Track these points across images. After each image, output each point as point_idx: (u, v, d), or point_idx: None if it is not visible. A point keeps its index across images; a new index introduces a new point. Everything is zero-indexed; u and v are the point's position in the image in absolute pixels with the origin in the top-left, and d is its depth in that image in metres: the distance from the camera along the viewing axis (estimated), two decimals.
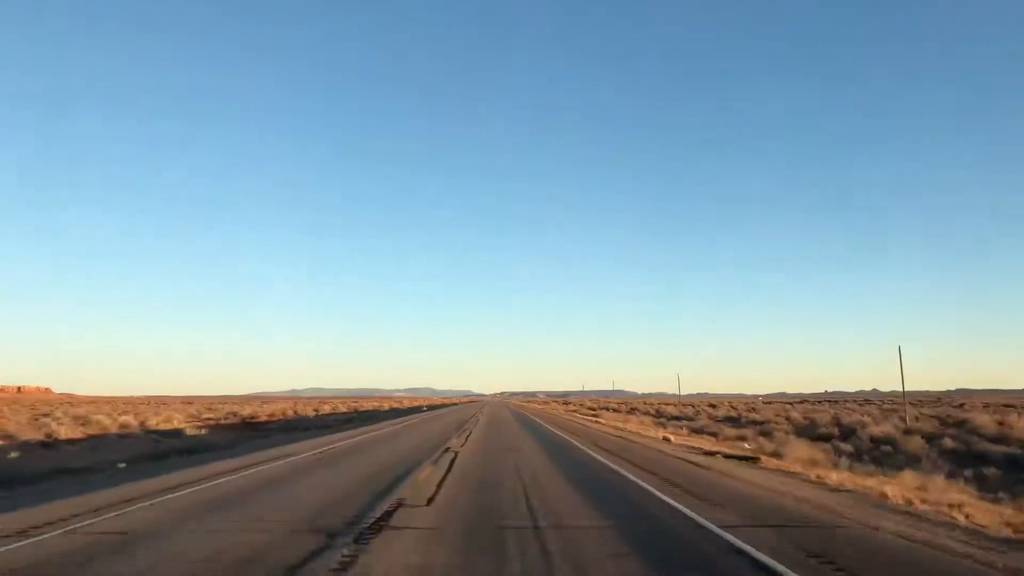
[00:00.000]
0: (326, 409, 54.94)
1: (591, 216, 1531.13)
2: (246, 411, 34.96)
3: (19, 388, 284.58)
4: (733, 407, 74.52)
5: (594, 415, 46.95)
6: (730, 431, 29.26)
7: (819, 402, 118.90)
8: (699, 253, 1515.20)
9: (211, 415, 33.89)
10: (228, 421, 28.49)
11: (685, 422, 36.40)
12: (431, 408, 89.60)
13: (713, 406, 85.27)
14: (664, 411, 65.02)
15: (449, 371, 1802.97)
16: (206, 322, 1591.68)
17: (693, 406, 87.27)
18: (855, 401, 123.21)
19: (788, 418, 42.00)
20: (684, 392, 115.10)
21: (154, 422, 23.18)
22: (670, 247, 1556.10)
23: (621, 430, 31.09)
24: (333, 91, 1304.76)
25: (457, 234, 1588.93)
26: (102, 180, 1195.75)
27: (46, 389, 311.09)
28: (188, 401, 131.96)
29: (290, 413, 40.96)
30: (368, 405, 71.79)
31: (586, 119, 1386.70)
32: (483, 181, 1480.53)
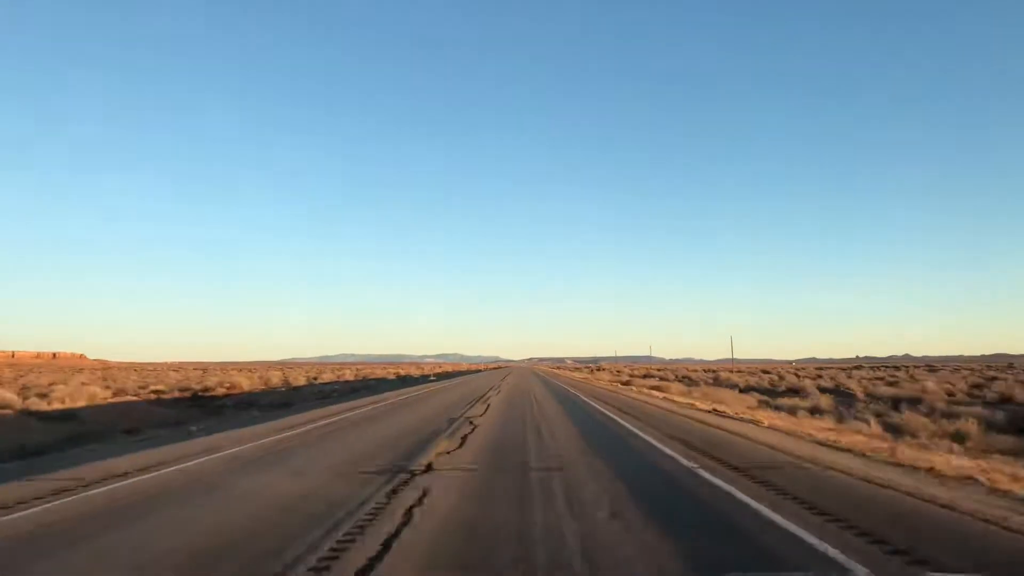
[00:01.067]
0: (327, 377, 49.16)
1: (621, 181, 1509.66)
2: (211, 380, 28.80)
3: (54, 355, 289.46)
4: (795, 374, 67.41)
5: (656, 389, 34.14)
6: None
7: (856, 368, 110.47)
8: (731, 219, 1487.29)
9: (162, 386, 27.68)
10: (176, 394, 22.55)
11: (764, 396, 28.73)
12: (446, 376, 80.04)
13: (767, 372, 77.78)
14: (726, 379, 56.67)
15: (478, 338, 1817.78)
16: (240, 289, 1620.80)
17: (752, 373, 79.87)
18: (918, 366, 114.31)
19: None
20: (714, 358, 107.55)
21: (61, 395, 17.45)
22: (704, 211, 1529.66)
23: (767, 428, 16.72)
24: (378, 59, 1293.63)
25: (489, 200, 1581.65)
26: (136, 142, 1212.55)
27: (81, 355, 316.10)
28: (201, 368, 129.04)
29: (275, 382, 35.00)
30: (380, 373, 65.56)
31: (622, 77, 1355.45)
32: (514, 146, 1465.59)
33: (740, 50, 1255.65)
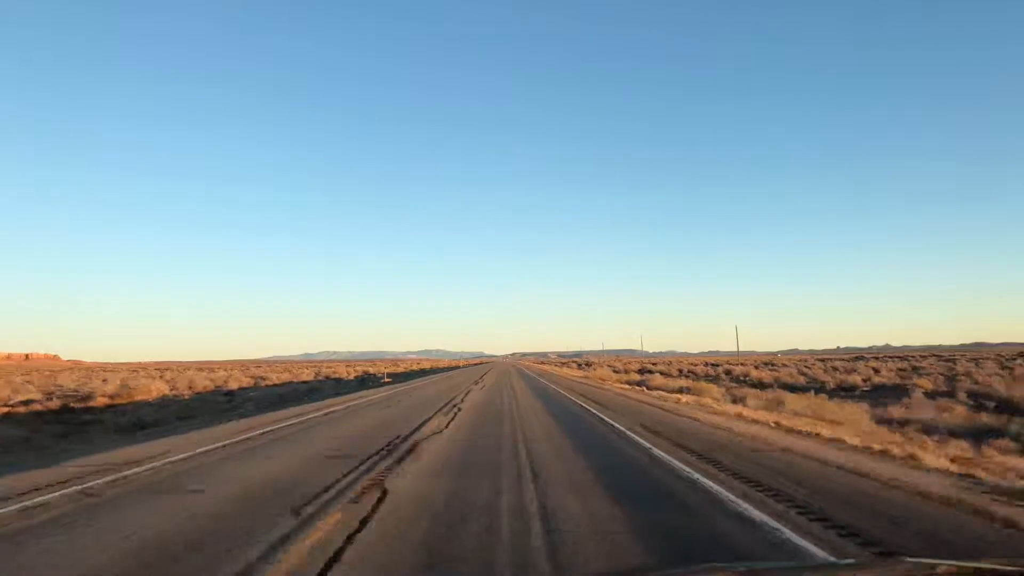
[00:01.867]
0: (283, 377, 45.43)
1: (607, 175, 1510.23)
2: (109, 388, 24.79)
3: (27, 355, 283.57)
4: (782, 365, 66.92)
5: (687, 395, 25.83)
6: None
7: (849, 359, 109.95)
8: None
9: (35, 394, 24.14)
10: (55, 403, 20.20)
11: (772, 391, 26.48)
12: (412, 375, 68.22)
13: (770, 364, 76.26)
14: (744, 374, 53.54)
15: (460, 333, 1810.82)
16: (221, 288, 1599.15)
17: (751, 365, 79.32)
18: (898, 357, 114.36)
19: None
20: (699, 351, 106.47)
21: None
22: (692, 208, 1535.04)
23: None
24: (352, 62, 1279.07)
25: (469, 196, 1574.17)
26: (122, 143, 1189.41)
27: (55, 356, 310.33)
28: (162, 368, 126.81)
29: (202, 387, 31.96)
30: (344, 372, 62.00)
31: (610, 71, 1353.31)
32: (497, 140, 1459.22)
33: (736, 47, 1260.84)
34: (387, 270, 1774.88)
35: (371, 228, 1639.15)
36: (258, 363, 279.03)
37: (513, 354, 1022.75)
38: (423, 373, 73.30)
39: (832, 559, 5.03)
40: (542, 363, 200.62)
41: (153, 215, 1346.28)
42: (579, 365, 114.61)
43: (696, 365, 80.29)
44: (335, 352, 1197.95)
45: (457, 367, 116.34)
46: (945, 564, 2.60)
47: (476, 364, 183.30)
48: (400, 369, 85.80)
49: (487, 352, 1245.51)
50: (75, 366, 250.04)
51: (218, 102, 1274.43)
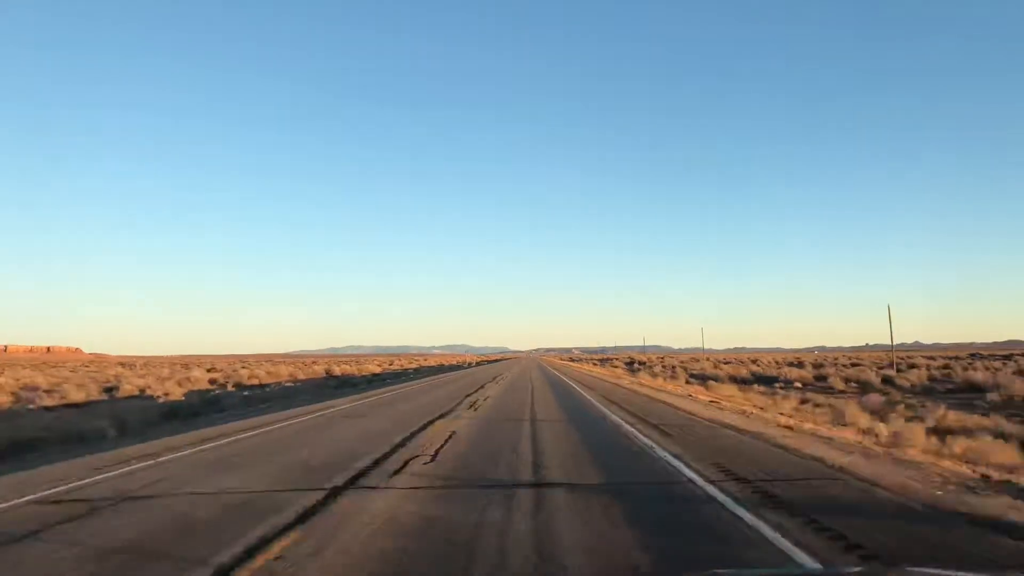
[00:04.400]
0: (263, 376, 36.86)
1: (628, 174, 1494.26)
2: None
3: (48, 348, 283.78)
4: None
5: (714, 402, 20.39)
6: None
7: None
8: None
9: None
10: None
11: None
12: (439, 370, 65.80)
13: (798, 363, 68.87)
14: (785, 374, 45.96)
15: (485, 328, 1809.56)
16: (247, 282, 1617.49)
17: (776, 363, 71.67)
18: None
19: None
20: (724, 347, 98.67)
21: None
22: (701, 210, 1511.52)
23: None
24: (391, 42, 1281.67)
25: (496, 193, 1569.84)
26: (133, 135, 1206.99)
27: (76, 349, 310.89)
28: (185, 363, 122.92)
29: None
30: (350, 369, 54.82)
31: (630, 75, 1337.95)
32: (519, 140, 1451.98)
33: (739, 52, 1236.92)
34: (412, 266, 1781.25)
35: (396, 225, 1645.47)
36: (284, 357, 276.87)
37: (536, 350, 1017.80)
38: (414, 375, 52.84)
39: (831, 569, 4.70)
40: (569, 360, 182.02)
41: (179, 209, 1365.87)
42: (628, 365, 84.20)
43: (727, 361, 77.42)
44: (359, 347, 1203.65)
45: (469, 365, 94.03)
46: (950, 574, 2.60)
47: (496, 360, 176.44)
48: (425, 364, 79.60)
49: (510, 348, 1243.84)
50: (99, 359, 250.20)
51: (258, 97, 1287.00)
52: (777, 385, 34.05)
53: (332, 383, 30.38)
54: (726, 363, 74.06)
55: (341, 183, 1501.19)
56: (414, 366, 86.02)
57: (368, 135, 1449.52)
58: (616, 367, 75.63)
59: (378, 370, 57.80)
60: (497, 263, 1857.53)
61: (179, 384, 28.29)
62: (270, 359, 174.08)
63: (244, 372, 35.38)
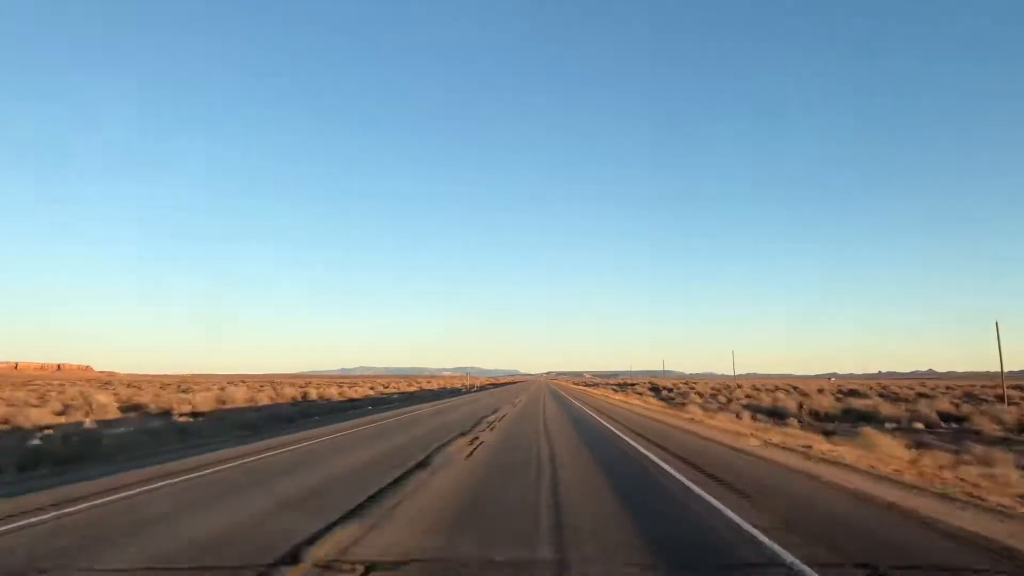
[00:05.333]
0: (197, 402, 30.90)
1: (641, 197, 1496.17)
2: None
3: (59, 366, 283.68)
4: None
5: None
6: None
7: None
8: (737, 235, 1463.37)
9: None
10: None
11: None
12: (433, 396, 57.86)
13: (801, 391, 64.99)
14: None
15: (496, 351, 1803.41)
16: (259, 302, 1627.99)
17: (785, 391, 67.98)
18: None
19: None
20: (733, 373, 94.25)
21: None
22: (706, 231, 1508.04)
23: None
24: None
25: (505, 216, 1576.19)
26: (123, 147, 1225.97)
27: (86, 367, 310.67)
28: (187, 383, 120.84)
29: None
30: (332, 392, 50.32)
31: (641, 90, 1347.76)
32: (528, 160, 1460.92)
33: (754, 69, 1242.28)
34: (423, 287, 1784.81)
35: (406, 246, 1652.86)
36: (295, 378, 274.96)
37: (548, 373, 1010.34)
38: (394, 403, 45.32)
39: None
40: (583, 385, 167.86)
41: (187, 228, 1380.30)
42: (655, 392, 77.81)
43: (763, 387, 72.34)
44: (371, 368, 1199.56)
45: (461, 390, 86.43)
46: None
47: (505, 384, 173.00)
48: (427, 387, 76.59)
49: (521, 371, 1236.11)
50: (111, 378, 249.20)
51: (274, 116, 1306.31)
52: (889, 426, 27.10)
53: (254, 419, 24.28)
54: (760, 390, 68.14)
55: (352, 205, 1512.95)
56: (413, 388, 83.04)
57: (378, 154, 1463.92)
58: (642, 394, 67.80)
59: (358, 396, 52.36)
60: (508, 285, 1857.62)
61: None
62: (278, 380, 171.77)
63: (174, 397, 30.61)
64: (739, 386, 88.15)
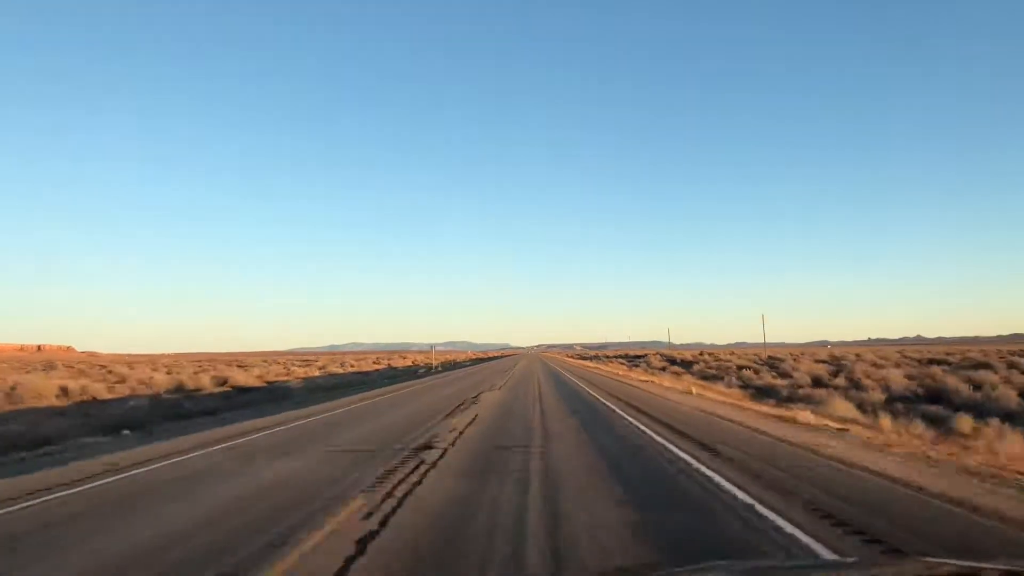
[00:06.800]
0: (203, 381, 27.76)
1: (629, 168, 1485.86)
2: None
3: (39, 346, 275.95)
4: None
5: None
6: None
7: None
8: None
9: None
10: None
11: None
12: (392, 378, 43.89)
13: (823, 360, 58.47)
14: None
15: (486, 324, 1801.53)
16: (245, 279, 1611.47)
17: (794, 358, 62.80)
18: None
19: None
20: (725, 343, 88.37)
21: None
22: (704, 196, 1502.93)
23: None
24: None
25: (494, 189, 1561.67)
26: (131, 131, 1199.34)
27: (68, 347, 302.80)
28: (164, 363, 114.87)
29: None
30: (282, 374, 42.48)
31: (635, 72, 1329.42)
32: (521, 134, 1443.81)
33: (752, 53, 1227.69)
34: (412, 262, 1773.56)
35: (396, 220, 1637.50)
36: (281, 355, 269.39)
37: (538, 345, 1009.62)
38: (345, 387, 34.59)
39: (836, 557, 4.83)
40: (577, 357, 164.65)
41: (171, 204, 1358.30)
42: (686, 366, 62.30)
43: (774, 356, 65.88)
44: (361, 344, 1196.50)
45: (419, 369, 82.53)
46: (953, 564, 2.55)
47: (497, 357, 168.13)
48: (416, 363, 71.43)
49: (512, 344, 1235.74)
50: (91, 358, 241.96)
51: (256, 93, 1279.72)
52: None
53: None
54: (879, 364, 48.79)
55: (342, 179, 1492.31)
56: (383, 366, 76.04)
57: (371, 129, 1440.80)
58: (678, 375, 48.18)
59: (318, 374, 45.17)
60: (498, 259, 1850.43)
61: None
62: (264, 357, 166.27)
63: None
64: (811, 360, 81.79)
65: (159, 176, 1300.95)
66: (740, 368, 51.99)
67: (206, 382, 29.35)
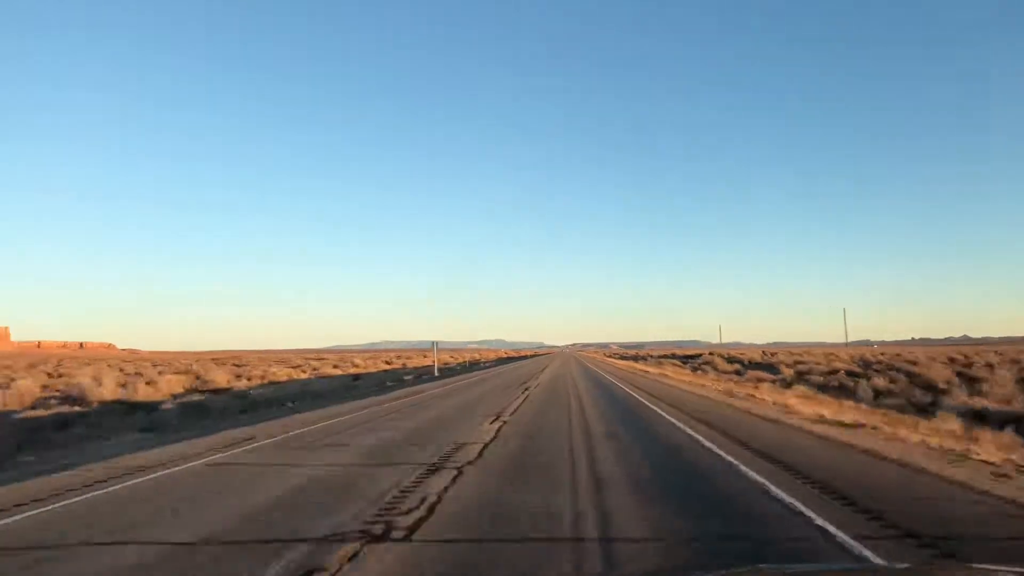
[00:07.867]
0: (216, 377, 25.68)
1: (658, 168, 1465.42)
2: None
3: (81, 344, 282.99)
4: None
5: None
6: None
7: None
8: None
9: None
10: None
11: None
12: (399, 382, 38.75)
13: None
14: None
15: (521, 323, 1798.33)
16: (285, 277, 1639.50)
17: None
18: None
19: None
20: (763, 341, 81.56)
21: None
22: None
23: None
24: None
25: (531, 186, 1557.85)
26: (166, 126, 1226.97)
27: (109, 345, 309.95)
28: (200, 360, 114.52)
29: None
30: (254, 376, 37.38)
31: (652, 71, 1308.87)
32: (550, 134, 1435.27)
33: (750, 54, 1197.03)
34: (445, 262, 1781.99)
35: (433, 220, 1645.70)
36: (320, 352, 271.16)
37: (573, 344, 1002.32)
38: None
39: (883, 562, 4.58)
40: (617, 357, 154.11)
41: (210, 206, 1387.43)
42: (753, 367, 52.81)
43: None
44: (393, 342, 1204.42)
45: (472, 363, 76.68)
46: (1004, 570, 2.45)
47: (524, 357, 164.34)
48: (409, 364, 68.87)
49: (547, 343, 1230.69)
50: (133, 355, 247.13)
51: (292, 92, 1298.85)
52: None
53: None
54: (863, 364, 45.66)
55: (379, 180, 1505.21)
56: (397, 365, 72.88)
57: (400, 129, 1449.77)
58: (759, 380, 35.18)
59: (307, 376, 41.35)
60: (533, 256, 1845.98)
61: None
62: (304, 355, 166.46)
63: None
64: (844, 356, 70.83)
65: (199, 174, 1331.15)
66: (853, 375, 36.82)
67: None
